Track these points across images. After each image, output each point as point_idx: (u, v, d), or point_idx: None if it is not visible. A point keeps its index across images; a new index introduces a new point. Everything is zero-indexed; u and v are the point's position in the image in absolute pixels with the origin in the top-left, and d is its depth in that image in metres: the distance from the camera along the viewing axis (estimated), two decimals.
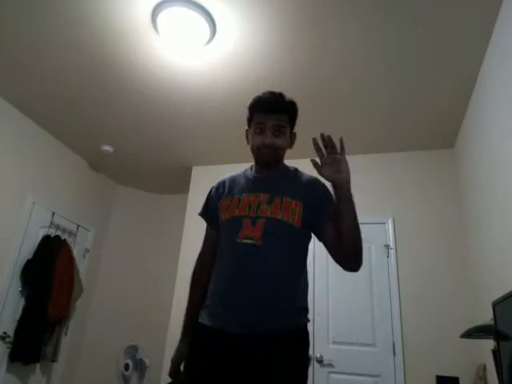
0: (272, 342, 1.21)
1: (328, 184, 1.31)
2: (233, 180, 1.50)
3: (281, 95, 1.45)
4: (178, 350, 1.41)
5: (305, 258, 1.39)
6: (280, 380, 1.19)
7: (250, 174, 1.48)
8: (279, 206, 1.32)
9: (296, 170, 1.51)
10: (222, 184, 1.52)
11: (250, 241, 1.28)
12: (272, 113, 1.39)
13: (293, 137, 1.53)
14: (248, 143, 1.48)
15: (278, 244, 1.29)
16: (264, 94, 1.42)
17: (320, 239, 1.36)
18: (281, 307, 1.25)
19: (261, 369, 1.19)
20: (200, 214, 1.57)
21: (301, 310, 1.32)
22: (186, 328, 1.44)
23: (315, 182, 1.43)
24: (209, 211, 1.50)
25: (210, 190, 1.58)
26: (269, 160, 1.42)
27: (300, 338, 1.28)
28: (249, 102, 1.45)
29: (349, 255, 1.28)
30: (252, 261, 1.27)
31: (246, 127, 1.51)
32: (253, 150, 1.44)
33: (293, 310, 1.29)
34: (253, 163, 1.51)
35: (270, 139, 1.38)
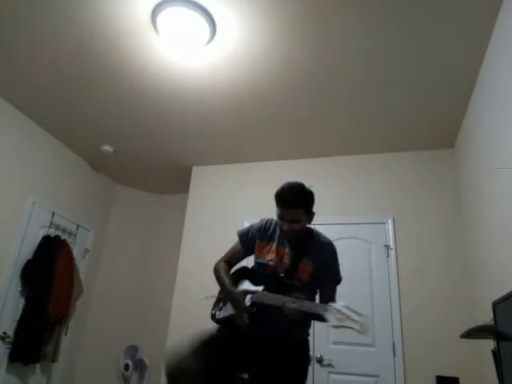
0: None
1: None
2: (271, 228, 1.89)
3: (297, 192, 1.74)
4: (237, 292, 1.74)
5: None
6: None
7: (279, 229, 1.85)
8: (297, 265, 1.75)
9: (315, 233, 1.89)
10: (264, 226, 1.91)
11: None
12: (289, 208, 1.71)
13: (311, 215, 1.82)
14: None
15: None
16: (284, 189, 1.74)
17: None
18: None
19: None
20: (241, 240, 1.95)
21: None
22: (230, 283, 1.79)
23: (328, 249, 1.85)
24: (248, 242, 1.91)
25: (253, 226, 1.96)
26: (290, 237, 1.81)
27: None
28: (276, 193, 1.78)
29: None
30: None
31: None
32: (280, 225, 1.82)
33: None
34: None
35: (287, 227, 1.74)
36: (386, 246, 3.31)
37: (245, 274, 1.92)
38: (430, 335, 2.96)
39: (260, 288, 1.70)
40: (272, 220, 1.92)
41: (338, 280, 1.85)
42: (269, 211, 3.73)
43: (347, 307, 1.44)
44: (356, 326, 1.38)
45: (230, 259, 1.94)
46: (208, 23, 2.28)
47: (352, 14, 2.18)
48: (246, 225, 3.92)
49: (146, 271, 4.71)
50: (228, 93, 2.95)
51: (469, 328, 2.17)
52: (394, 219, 3.38)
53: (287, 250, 1.79)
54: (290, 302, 1.55)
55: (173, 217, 4.84)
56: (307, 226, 1.85)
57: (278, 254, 1.78)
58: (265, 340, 1.68)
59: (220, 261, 1.95)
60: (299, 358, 1.75)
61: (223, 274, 1.84)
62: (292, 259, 1.76)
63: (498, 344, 1.69)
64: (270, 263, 1.76)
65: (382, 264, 3.26)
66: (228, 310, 1.78)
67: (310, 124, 3.29)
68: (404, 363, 2.94)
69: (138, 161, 4.20)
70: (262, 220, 1.94)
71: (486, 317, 2.61)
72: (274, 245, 1.81)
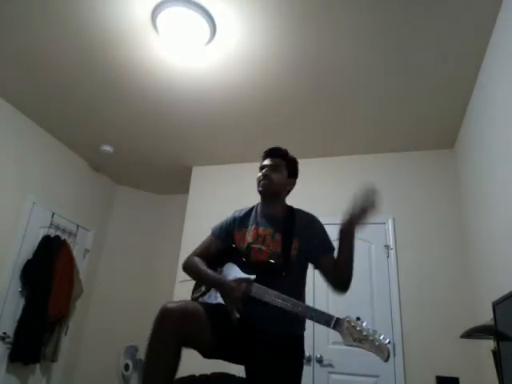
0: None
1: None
2: (246, 214, 1.82)
3: (281, 148, 1.82)
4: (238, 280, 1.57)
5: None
6: None
7: (260, 212, 1.78)
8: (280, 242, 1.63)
9: (294, 210, 1.81)
10: (238, 215, 1.84)
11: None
12: (272, 157, 1.77)
13: (292, 178, 1.85)
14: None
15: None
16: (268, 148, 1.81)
17: (315, 268, 1.74)
18: None
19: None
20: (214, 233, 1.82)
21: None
22: (214, 272, 1.64)
23: (312, 222, 1.75)
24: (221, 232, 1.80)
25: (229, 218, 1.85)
26: (266, 191, 1.73)
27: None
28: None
29: (342, 281, 1.77)
30: None
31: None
32: (257, 185, 1.76)
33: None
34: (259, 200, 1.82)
35: (267, 172, 1.72)
36: (386, 246, 3.31)
37: (228, 256, 1.74)
38: (430, 335, 2.96)
39: (252, 277, 1.55)
40: (244, 208, 1.86)
41: (334, 249, 1.74)
42: None
43: (365, 325, 1.30)
44: (379, 353, 1.22)
45: (202, 252, 1.75)
46: (208, 23, 2.28)
47: (353, 13, 2.18)
48: None
49: (146, 271, 4.71)
50: (228, 93, 2.95)
51: (469, 328, 2.17)
52: (394, 219, 3.37)
53: (269, 231, 1.66)
54: (290, 307, 1.46)
55: (173, 217, 4.83)
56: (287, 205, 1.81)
57: (258, 235, 1.66)
58: (254, 334, 1.54)
59: (190, 255, 1.77)
60: (292, 355, 1.58)
61: (202, 266, 1.66)
62: (283, 240, 1.63)
63: (498, 344, 1.69)
64: (254, 246, 1.63)
65: (382, 264, 3.26)
66: (213, 297, 1.61)
67: (309, 124, 3.29)
68: (404, 363, 2.94)
69: (137, 161, 4.19)
70: (234, 211, 1.87)
71: (486, 317, 2.61)
72: (253, 226, 1.70)
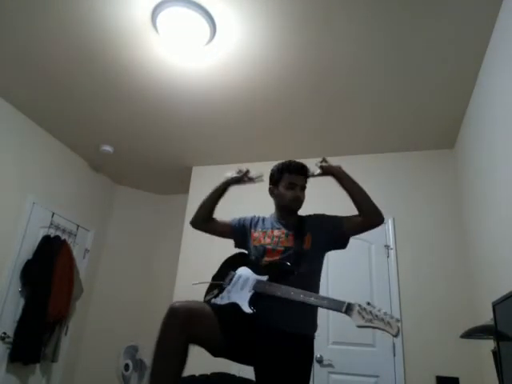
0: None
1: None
2: (263, 219, 1.93)
3: (305, 165, 1.92)
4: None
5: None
6: None
7: (275, 218, 1.89)
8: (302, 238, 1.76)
9: (304, 216, 1.91)
10: (254, 218, 1.96)
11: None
12: (299, 174, 1.85)
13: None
14: (273, 197, 1.90)
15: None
16: (291, 161, 1.90)
17: (351, 236, 1.88)
18: None
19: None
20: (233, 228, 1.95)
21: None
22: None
23: (319, 216, 1.89)
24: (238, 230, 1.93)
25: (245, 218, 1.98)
26: (296, 209, 1.86)
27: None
28: (278, 165, 1.89)
29: (372, 214, 1.87)
30: None
31: (271, 186, 1.90)
32: (283, 201, 1.84)
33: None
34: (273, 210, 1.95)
35: (298, 193, 1.82)
36: (386, 246, 3.31)
37: (242, 260, 1.83)
38: (429, 335, 2.96)
39: (264, 278, 1.62)
40: (261, 215, 1.97)
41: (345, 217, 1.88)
42: (268, 211, 3.74)
43: (376, 308, 1.37)
44: (389, 329, 1.29)
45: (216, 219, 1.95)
46: (208, 23, 2.28)
47: (353, 14, 2.18)
48: None
49: (146, 271, 4.71)
50: (228, 93, 2.95)
51: (469, 328, 2.17)
52: (394, 219, 3.37)
53: (282, 231, 1.79)
54: (302, 298, 1.50)
55: (173, 217, 4.83)
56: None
57: (273, 236, 1.78)
58: (265, 333, 1.56)
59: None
60: (303, 356, 1.63)
61: (208, 195, 1.95)
62: (295, 236, 1.75)
63: (498, 344, 1.69)
64: (268, 247, 1.74)
65: (382, 264, 3.26)
66: (225, 298, 1.67)
67: (309, 124, 3.29)
68: (404, 363, 2.94)
69: (137, 161, 4.20)
70: (247, 215, 1.97)
71: (486, 317, 2.61)
72: (269, 230, 1.83)
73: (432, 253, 3.19)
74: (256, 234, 1.83)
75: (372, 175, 3.60)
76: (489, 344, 2.50)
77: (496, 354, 1.77)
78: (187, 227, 3.98)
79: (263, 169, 4.42)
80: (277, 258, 1.70)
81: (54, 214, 3.75)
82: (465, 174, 3.10)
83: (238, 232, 1.90)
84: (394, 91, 2.80)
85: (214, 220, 1.96)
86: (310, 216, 1.89)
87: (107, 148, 3.87)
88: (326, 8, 2.15)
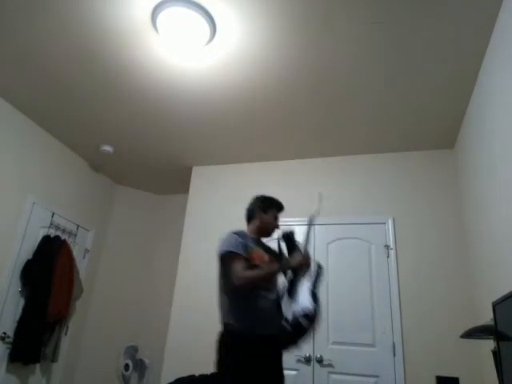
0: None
1: None
2: (245, 237, 2.17)
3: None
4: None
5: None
6: None
7: (254, 239, 2.22)
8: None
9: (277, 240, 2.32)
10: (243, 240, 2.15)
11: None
12: (281, 212, 2.35)
13: None
14: (259, 219, 2.28)
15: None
16: (279, 200, 2.35)
17: None
18: None
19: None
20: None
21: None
22: (277, 264, 2.14)
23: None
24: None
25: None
26: (271, 235, 2.30)
27: None
28: (271, 199, 2.35)
29: None
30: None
31: (260, 211, 2.30)
32: (267, 226, 2.27)
33: None
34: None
35: (279, 226, 2.32)
36: (385, 246, 3.31)
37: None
38: (429, 335, 2.96)
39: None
40: (238, 234, 2.15)
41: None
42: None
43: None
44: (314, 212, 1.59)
45: (244, 268, 2.02)
46: (208, 23, 2.28)
47: (353, 14, 2.18)
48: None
49: (145, 271, 4.71)
50: (228, 93, 2.95)
51: (469, 328, 2.17)
52: (393, 219, 3.38)
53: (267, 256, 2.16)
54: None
55: (173, 217, 4.84)
56: None
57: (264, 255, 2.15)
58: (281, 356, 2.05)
59: (239, 274, 1.97)
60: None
61: (258, 270, 2.01)
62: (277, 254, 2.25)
63: (498, 344, 1.69)
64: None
65: (382, 264, 3.26)
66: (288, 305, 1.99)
67: (309, 124, 3.29)
68: (404, 363, 2.94)
69: (137, 161, 4.20)
70: (234, 233, 2.13)
71: (486, 317, 2.61)
72: (260, 250, 2.18)
73: (432, 253, 3.19)
74: (257, 253, 2.11)
75: (372, 175, 3.61)
76: (489, 344, 2.50)
77: (496, 354, 1.77)
78: (187, 227, 3.99)
79: (263, 169, 4.44)
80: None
81: (53, 214, 3.75)
82: (465, 174, 3.10)
83: (245, 254, 2.08)
84: (394, 91, 2.80)
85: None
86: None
87: (107, 148, 3.88)
88: (326, 8, 2.15)
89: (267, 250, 2.21)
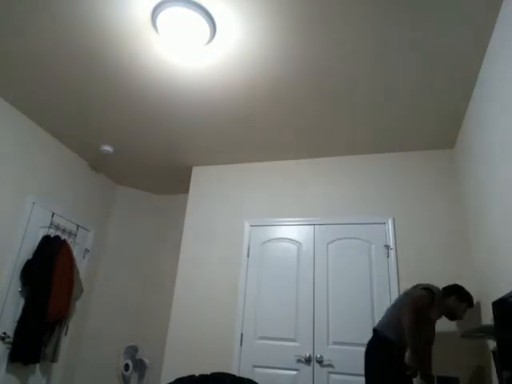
0: None
1: None
2: None
3: None
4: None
5: None
6: None
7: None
8: None
9: None
10: None
11: None
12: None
13: None
14: (449, 303, 2.63)
15: None
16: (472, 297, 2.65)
17: None
18: None
19: None
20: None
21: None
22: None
23: None
24: None
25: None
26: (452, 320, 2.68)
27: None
28: (467, 295, 2.65)
29: None
30: None
31: (455, 298, 2.64)
32: (457, 314, 2.62)
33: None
34: None
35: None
36: (386, 246, 3.31)
37: None
38: None
39: None
40: None
41: None
42: (268, 211, 3.75)
43: None
44: None
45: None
46: (208, 23, 2.28)
47: (352, 14, 2.18)
48: (246, 226, 3.92)
49: (146, 271, 4.71)
50: (228, 93, 2.95)
51: (469, 328, 2.17)
52: (393, 219, 3.38)
53: None
54: None
55: (173, 217, 4.84)
56: None
57: None
58: None
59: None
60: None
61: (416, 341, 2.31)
62: None
63: (498, 344, 1.69)
64: None
65: (382, 264, 3.26)
66: None
67: (309, 124, 3.29)
68: None
69: (137, 161, 4.20)
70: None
71: (486, 317, 2.61)
72: None
73: (432, 253, 3.19)
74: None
75: (372, 175, 3.61)
76: (489, 344, 2.50)
77: (496, 354, 1.77)
78: (187, 227, 3.99)
79: (263, 169, 4.43)
80: None
81: (53, 214, 3.75)
82: (465, 174, 3.10)
83: None
84: (393, 91, 2.80)
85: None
86: None
87: (107, 148, 3.88)
88: (326, 8, 2.15)
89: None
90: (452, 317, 2.60)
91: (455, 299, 2.59)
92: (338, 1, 2.11)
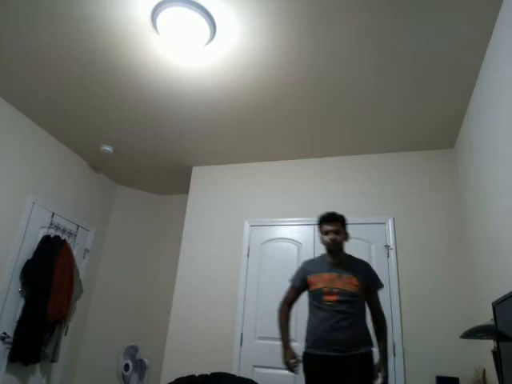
0: (351, 358, 2.12)
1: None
2: (315, 263, 2.40)
3: (332, 212, 2.39)
4: (291, 349, 2.24)
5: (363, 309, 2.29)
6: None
7: (324, 259, 2.37)
8: (345, 281, 2.24)
9: (350, 256, 2.40)
10: (307, 266, 2.42)
11: (330, 303, 2.20)
12: (330, 221, 2.34)
13: (346, 233, 2.39)
14: (320, 241, 2.39)
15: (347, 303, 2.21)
16: (323, 213, 2.40)
17: (366, 302, 2.35)
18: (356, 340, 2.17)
19: (345, 373, 2.10)
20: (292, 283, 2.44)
21: (368, 341, 2.21)
22: (287, 340, 2.29)
23: (364, 264, 2.38)
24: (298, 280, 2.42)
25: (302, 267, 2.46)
26: (332, 249, 2.32)
27: (366, 357, 2.14)
28: (317, 218, 2.43)
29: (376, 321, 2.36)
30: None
31: (319, 231, 2.42)
32: (324, 244, 2.35)
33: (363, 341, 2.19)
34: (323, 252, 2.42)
35: (332, 236, 2.30)
36: (386, 246, 3.31)
37: None
38: (429, 335, 2.96)
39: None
40: (312, 258, 2.48)
41: (379, 287, 2.38)
42: (268, 211, 3.76)
43: None
44: None
45: (287, 300, 2.40)
46: (208, 23, 2.28)
47: (352, 14, 2.18)
48: (246, 225, 3.92)
49: (145, 271, 4.71)
50: (228, 93, 2.95)
51: (469, 328, 2.17)
52: (393, 219, 3.38)
53: (336, 275, 2.26)
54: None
55: (173, 217, 4.84)
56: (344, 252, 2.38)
57: (328, 280, 2.25)
58: (337, 357, 2.10)
59: (282, 303, 2.41)
60: (365, 374, 2.10)
61: (282, 320, 2.34)
62: (340, 278, 2.25)
63: (498, 344, 1.69)
64: (325, 289, 2.22)
65: (382, 264, 3.26)
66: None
67: (309, 124, 3.29)
68: (404, 363, 2.94)
69: (138, 161, 4.20)
70: (303, 262, 2.46)
71: (486, 317, 2.61)
72: (324, 273, 2.29)
73: (432, 253, 3.19)
74: (312, 279, 2.32)
75: (372, 175, 3.61)
76: (489, 344, 2.50)
77: (496, 354, 1.77)
78: (187, 227, 3.99)
79: (263, 169, 4.44)
80: (334, 298, 2.20)
81: (53, 214, 3.75)
82: (465, 174, 3.10)
83: (300, 286, 2.40)
84: (393, 91, 2.80)
85: (293, 302, 2.41)
86: (355, 259, 2.38)
87: (107, 148, 3.88)
88: (326, 8, 2.15)
89: (337, 264, 2.31)
90: (328, 250, 2.36)
91: (320, 237, 2.42)
92: (338, 1, 2.11)
